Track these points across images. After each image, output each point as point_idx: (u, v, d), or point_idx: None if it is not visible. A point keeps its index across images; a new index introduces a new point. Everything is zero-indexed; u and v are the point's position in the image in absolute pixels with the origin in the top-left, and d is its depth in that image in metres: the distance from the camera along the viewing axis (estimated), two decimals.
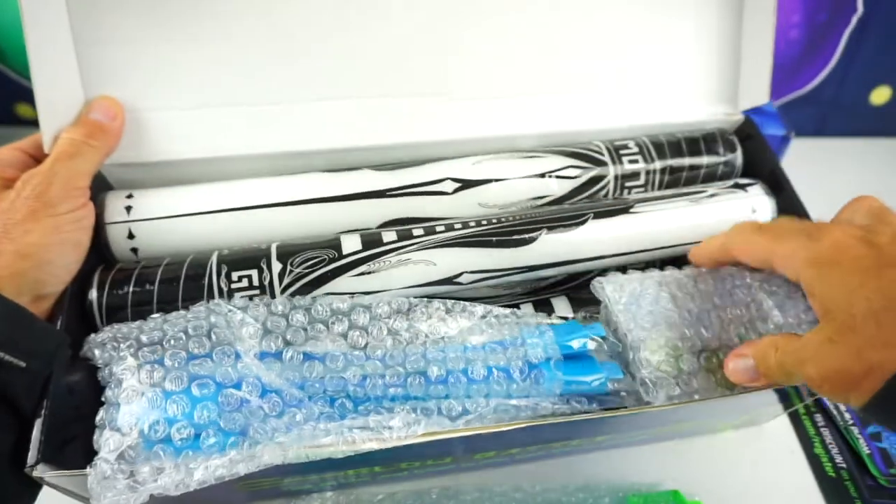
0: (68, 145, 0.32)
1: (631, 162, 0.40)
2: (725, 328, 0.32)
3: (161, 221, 0.35)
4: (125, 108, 0.36)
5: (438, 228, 0.35)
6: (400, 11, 0.38)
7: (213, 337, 0.29)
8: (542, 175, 0.39)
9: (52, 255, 0.30)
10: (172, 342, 0.29)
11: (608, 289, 0.34)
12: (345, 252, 0.34)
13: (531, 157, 0.40)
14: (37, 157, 0.33)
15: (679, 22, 0.42)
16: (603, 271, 0.37)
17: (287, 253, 0.34)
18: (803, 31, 0.62)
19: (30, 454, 0.26)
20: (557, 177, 0.39)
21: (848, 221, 0.29)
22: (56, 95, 0.34)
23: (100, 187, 0.36)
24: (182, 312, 0.30)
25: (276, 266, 0.33)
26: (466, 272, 0.35)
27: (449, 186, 0.38)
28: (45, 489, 0.27)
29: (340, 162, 0.39)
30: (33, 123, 0.33)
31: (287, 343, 0.30)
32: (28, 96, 0.59)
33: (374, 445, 0.27)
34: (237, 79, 0.38)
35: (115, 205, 0.35)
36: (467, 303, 0.33)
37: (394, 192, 0.37)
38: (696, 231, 0.37)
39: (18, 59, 0.58)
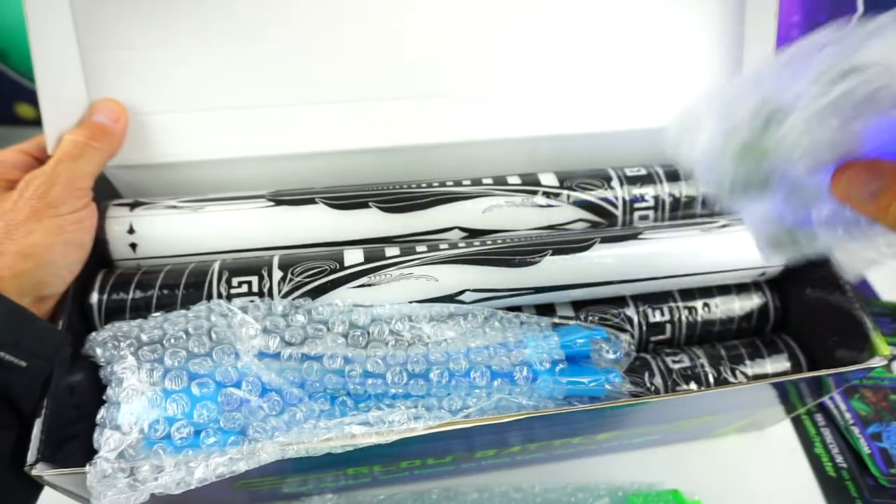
0: (71, 147, 0.32)
1: (642, 218, 0.39)
2: None
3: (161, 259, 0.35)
4: (128, 110, 0.36)
5: (442, 246, 0.35)
6: (400, 14, 0.38)
7: (214, 336, 0.29)
8: (552, 227, 0.38)
9: (54, 255, 0.30)
10: (173, 341, 0.29)
11: None
12: (346, 264, 0.34)
13: (543, 206, 0.38)
14: (40, 159, 0.34)
15: (680, 23, 0.42)
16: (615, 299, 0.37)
17: (289, 263, 0.34)
18: (803, 32, 0.62)
19: (29, 453, 0.26)
20: (566, 230, 0.38)
21: None
22: (60, 98, 0.34)
23: (103, 189, 0.36)
24: (182, 312, 0.31)
25: (277, 274, 0.33)
26: (469, 290, 0.34)
27: (456, 235, 0.37)
28: (46, 490, 0.27)
29: (342, 165, 0.39)
30: (33, 123, 0.33)
31: (287, 343, 0.30)
32: (28, 96, 0.60)
33: (374, 439, 0.27)
34: (240, 82, 0.38)
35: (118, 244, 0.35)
36: (470, 305, 0.34)
37: (400, 239, 0.37)
38: (706, 260, 0.37)
39: (19, 60, 0.58)
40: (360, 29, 0.38)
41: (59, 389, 0.28)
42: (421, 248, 0.35)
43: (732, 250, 0.37)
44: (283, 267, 0.33)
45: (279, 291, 0.33)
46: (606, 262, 0.36)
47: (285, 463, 0.27)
